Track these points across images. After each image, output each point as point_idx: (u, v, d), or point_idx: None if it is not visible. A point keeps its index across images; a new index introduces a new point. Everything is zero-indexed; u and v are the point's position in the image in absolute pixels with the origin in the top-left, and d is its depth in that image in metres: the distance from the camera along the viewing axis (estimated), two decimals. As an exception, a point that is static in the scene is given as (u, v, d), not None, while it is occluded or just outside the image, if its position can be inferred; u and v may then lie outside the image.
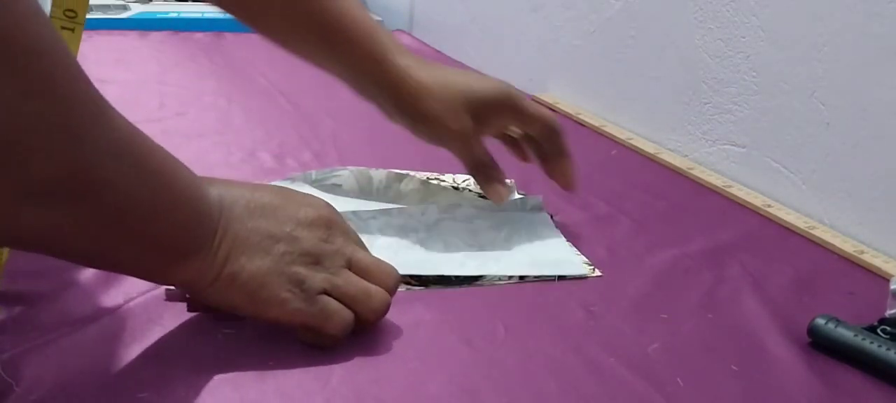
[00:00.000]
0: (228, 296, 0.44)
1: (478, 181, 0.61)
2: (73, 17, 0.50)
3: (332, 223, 0.47)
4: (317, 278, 0.45)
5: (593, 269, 0.59)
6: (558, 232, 0.64)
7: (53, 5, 0.49)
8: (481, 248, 0.59)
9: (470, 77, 0.61)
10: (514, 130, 0.65)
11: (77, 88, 0.35)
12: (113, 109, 0.38)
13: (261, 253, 0.44)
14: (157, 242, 0.40)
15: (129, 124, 0.39)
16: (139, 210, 0.39)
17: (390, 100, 0.59)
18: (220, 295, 0.44)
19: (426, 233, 0.60)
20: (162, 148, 0.42)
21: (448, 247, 0.59)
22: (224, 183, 0.46)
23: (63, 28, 0.50)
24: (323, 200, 0.49)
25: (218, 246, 0.43)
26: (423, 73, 0.59)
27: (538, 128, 0.62)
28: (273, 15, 0.59)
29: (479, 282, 0.56)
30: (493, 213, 0.64)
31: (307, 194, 0.49)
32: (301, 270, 0.45)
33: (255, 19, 0.60)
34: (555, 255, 0.60)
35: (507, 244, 0.61)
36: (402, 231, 0.60)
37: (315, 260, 0.45)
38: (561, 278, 0.58)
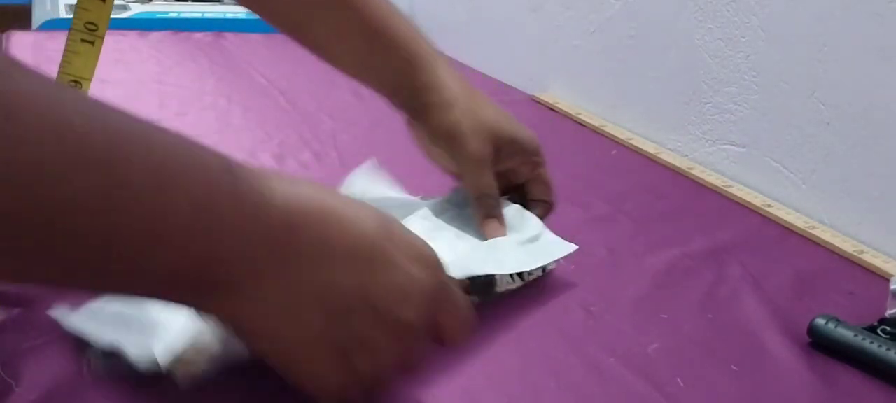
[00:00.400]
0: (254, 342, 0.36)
1: (478, 212, 0.59)
2: (94, 30, 0.50)
3: (438, 293, 0.38)
4: (372, 362, 0.36)
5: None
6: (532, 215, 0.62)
7: (75, 18, 0.49)
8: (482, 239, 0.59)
9: (504, 112, 0.61)
10: (514, 179, 0.63)
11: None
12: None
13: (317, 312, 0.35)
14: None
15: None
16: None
17: (419, 106, 0.58)
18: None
19: (446, 225, 0.59)
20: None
21: (460, 239, 0.58)
22: (296, 190, 0.36)
23: (83, 41, 0.50)
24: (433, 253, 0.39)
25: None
26: (459, 88, 0.58)
27: (541, 193, 0.61)
28: (315, 23, 0.59)
29: (488, 297, 0.55)
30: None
31: (414, 242, 0.38)
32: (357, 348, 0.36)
33: (296, 27, 0.59)
34: (543, 240, 0.59)
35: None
36: (429, 226, 0.58)
37: (383, 343, 0.36)
38: (544, 270, 0.58)
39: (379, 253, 0.35)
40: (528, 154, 0.60)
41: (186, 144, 0.33)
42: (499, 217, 0.58)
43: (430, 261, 0.38)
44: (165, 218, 0.31)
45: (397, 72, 0.58)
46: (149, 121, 0.32)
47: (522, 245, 0.58)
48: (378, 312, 0.35)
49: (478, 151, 0.56)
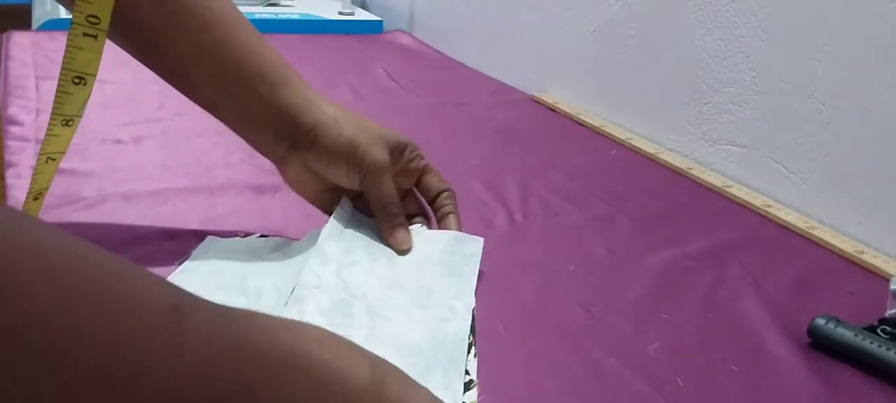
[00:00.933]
0: None
1: (382, 222, 0.58)
2: (96, 23, 0.48)
3: None
4: None
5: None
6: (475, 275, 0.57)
7: (76, 11, 0.48)
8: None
9: (376, 122, 0.60)
10: (404, 184, 0.62)
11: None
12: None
13: None
14: None
15: None
16: None
17: (306, 131, 0.56)
18: None
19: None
20: None
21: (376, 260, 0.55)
22: None
23: (85, 34, 0.48)
24: None
25: None
26: (331, 104, 0.58)
27: (437, 183, 0.61)
28: (168, 44, 0.55)
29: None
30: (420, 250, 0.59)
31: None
32: None
33: (147, 49, 0.56)
34: (457, 248, 0.57)
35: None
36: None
37: None
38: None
39: None
40: (411, 150, 0.60)
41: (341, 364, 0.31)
42: (404, 224, 0.58)
43: None
44: None
45: (271, 99, 0.55)
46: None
47: (445, 274, 0.55)
48: None
49: (381, 160, 0.57)
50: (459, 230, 0.60)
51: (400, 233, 0.58)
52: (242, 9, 0.59)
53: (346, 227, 0.58)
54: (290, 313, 0.47)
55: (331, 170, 0.57)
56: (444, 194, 0.61)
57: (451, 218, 0.61)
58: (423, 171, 0.61)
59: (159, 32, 0.54)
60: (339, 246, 0.55)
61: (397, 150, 0.59)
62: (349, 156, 0.56)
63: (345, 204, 0.60)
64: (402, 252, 0.58)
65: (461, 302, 0.52)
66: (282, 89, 0.56)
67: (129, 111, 0.88)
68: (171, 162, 0.75)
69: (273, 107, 0.55)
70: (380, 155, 0.57)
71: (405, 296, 0.52)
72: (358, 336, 0.46)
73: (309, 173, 0.58)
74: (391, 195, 0.58)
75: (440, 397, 0.37)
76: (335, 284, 0.51)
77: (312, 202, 0.60)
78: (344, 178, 0.57)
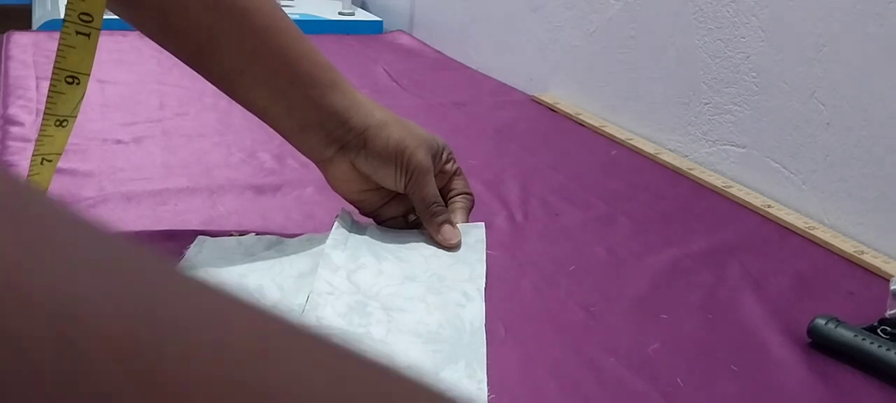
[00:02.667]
0: None
1: (427, 222, 0.60)
2: (89, 22, 0.48)
3: None
4: None
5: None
6: (483, 262, 0.59)
7: (68, 9, 0.48)
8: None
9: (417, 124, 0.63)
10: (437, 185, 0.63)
11: None
12: None
13: None
14: None
15: None
16: None
17: (360, 135, 0.57)
18: None
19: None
20: None
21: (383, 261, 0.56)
22: None
23: (78, 33, 0.48)
24: None
25: None
26: (387, 110, 0.60)
27: (462, 186, 0.64)
28: (221, 50, 0.55)
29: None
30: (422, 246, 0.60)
31: None
32: None
33: (198, 55, 0.56)
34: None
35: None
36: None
37: None
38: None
39: None
40: (447, 155, 0.63)
41: None
42: (449, 220, 0.61)
43: None
44: None
45: (322, 102, 0.56)
46: None
47: (454, 262, 0.58)
48: None
49: (425, 163, 0.59)
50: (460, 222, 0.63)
51: (446, 230, 0.60)
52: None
53: (349, 234, 0.59)
54: (309, 319, 0.48)
55: (379, 172, 0.59)
56: (463, 196, 0.64)
57: (459, 213, 0.63)
58: (453, 174, 0.64)
59: (210, 39, 0.55)
60: (345, 254, 0.56)
61: (437, 154, 0.61)
62: (397, 159, 0.58)
63: (344, 215, 0.60)
64: (451, 247, 0.59)
65: (474, 287, 0.54)
66: (332, 92, 0.57)
67: (129, 111, 0.88)
68: (172, 162, 0.75)
69: (324, 110, 0.57)
70: (424, 158, 0.59)
71: (419, 286, 0.54)
72: (378, 331, 0.47)
73: (355, 174, 0.59)
74: (434, 195, 0.60)
75: (465, 386, 0.41)
76: (348, 288, 0.52)
77: (355, 202, 0.62)
78: (391, 180, 0.59)
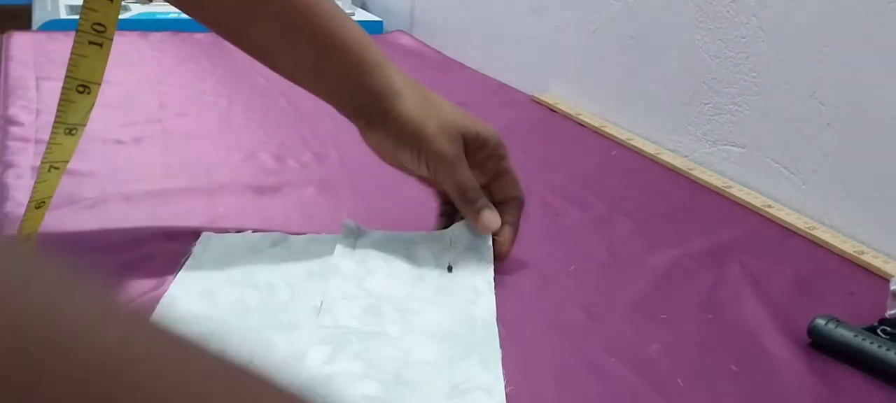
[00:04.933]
0: None
1: (464, 209, 0.57)
2: (102, 32, 0.48)
3: None
4: None
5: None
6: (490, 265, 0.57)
7: (81, 19, 0.48)
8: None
9: (462, 109, 0.59)
10: (478, 179, 0.60)
11: None
12: None
13: None
14: None
15: None
16: None
17: (378, 112, 0.57)
18: None
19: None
20: None
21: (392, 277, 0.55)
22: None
23: (91, 43, 0.48)
24: None
25: None
26: (414, 90, 0.58)
27: (510, 189, 0.60)
28: (258, 26, 0.56)
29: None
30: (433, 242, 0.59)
31: None
32: None
33: (236, 31, 0.57)
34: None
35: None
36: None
37: None
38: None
39: None
40: (492, 147, 0.59)
41: None
42: (488, 205, 0.57)
43: None
44: None
45: (349, 79, 0.57)
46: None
47: (464, 248, 0.57)
48: None
49: (449, 149, 0.56)
50: (512, 241, 0.59)
51: (486, 216, 0.57)
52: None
53: (356, 241, 0.59)
54: (324, 321, 0.49)
55: (398, 153, 0.58)
56: (513, 201, 0.60)
57: (506, 229, 0.59)
58: (500, 172, 0.60)
59: (246, 19, 0.56)
60: (353, 261, 0.56)
61: (476, 142, 0.58)
62: (412, 145, 0.56)
63: (349, 223, 0.60)
64: (496, 233, 0.58)
65: (483, 279, 0.54)
66: (361, 70, 0.57)
67: (129, 111, 0.88)
68: (172, 162, 0.75)
69: (351, 87, 0.57)
70: (445, 146, 0.56)
71: (428, 287, 0.54)
72: (393, 331, 0.48)
73: (386, 148, 0.58)
74: (465, 181, 0.57)
75: (482, 379, 0.43)
76: (359, 294, 0.52)
77: (395, 167, 0.60)
78: (410, 164, 0.58)
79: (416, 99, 0.57)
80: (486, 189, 0.59)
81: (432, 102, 0.58)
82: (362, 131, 0.59)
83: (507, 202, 0.60)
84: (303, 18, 0.56)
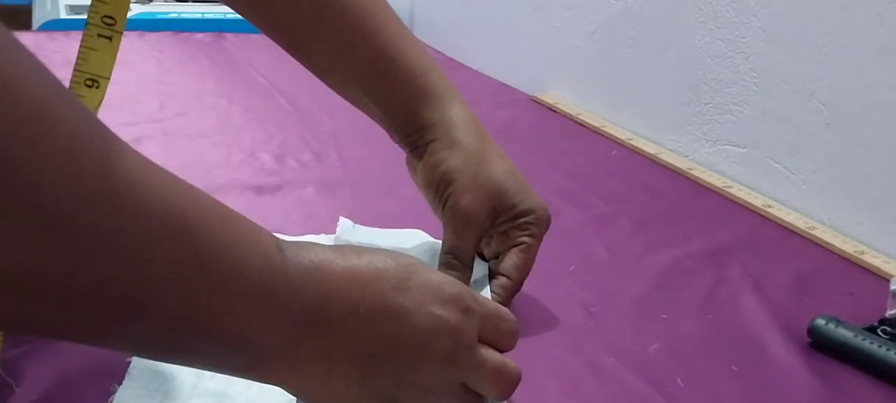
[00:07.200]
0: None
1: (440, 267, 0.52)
2: (112, 25, 0.48)
3: (466, 323, 0.37)
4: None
5: None
6: None
7: (91, 12, 0.48)
8: None
9: (516, 171, 0.54)
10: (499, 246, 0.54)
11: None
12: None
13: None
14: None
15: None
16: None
17: (420, 144, 0.54)
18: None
19: None
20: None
21: None
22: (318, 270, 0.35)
23: (100, 36, 0.48)
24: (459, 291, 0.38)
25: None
26: (469, 133, 0.53)
27: (512, 268, 0.52)
28: (318, 43, 0.54)
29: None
30: None
31: (433, 281, 0.37)
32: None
33: (297, 45, 0.55)
34: None
35: None
36: None
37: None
38: None
39: (398, 306, 0.36)
40: (525, 222, 0.52)
41: (244, 220, 0.34)
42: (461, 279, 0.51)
43: (452, 296, 0.37)
44: (231, 294, 0.31)
45: (402, 106, 0.54)
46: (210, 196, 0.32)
47: None
48: (411, 360, 0.36)
49: (467, 208, 0.51)
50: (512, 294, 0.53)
51: None
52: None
53: (351, 239, 0.59)
54: None
55: (425, 192, 0.54)
56: (512, 276, 0.52)
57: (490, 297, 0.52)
58: (518, 246, 0.52)
59: (308, 33, 0.54)
60: None
61: (507, 212, 0.52)
62: (437, 190, 0.52)
63: (344, 222, 0.61)
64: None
65: (480, 271, 0.53)
66: (415, 99, 0.53)
67: (129, 111, 0.88)
68: (171, 162, 0.74)
69: (404, 115, 0.54)
70: (467, 203, 0.51)
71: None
72: None
73: (418, 180, 0.55)
74: (461, 249, 0.52)
75: None
76: None
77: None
78: (432, 206, 0.54)
79: (464, 145, 0.52)
80: (497, 258, 0.54)
81: (483, 154, 0.52)
82: (407, 160, 0.56)
83: (499, 278, 0.52)
84: (362, 40, 0.53)
